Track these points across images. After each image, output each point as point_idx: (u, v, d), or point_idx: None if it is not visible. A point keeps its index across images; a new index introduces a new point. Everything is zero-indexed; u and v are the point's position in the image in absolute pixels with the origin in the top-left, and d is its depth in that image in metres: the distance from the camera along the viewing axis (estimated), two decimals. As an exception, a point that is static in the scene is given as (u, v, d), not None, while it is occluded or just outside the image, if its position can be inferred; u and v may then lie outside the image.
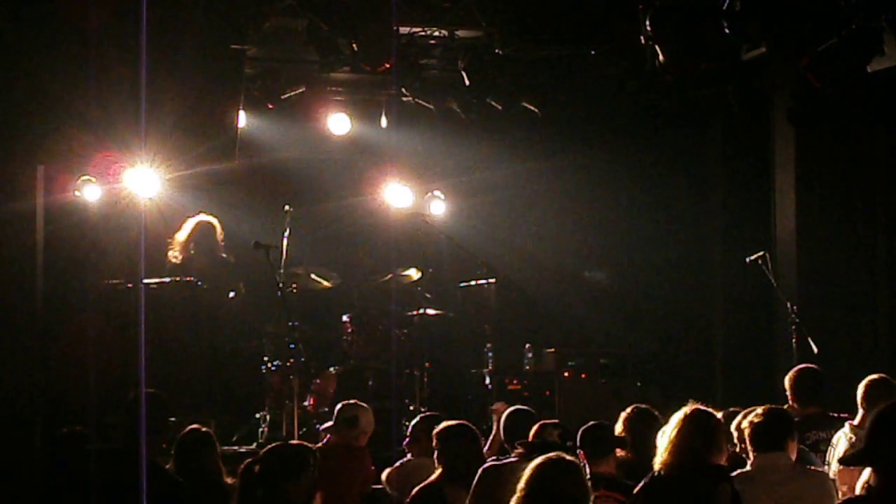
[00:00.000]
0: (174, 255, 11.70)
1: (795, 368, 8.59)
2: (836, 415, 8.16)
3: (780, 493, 6.47)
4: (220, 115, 11.03)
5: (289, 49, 12.23)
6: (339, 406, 8.94)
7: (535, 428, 7.37)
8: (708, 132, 13.72)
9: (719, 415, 6.48)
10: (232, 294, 11.90)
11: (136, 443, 6.37)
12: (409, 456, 8.44)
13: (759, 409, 6.77)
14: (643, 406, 7.46)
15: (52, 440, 7.55)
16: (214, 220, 11.77)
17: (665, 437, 6.25)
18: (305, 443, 7.27)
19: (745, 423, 6.75)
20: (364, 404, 9.05)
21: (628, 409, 7.39)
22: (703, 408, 6.32)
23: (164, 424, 6.55)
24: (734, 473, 6.55)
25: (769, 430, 6.62)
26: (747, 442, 6.66)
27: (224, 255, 11.72)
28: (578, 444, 7.07)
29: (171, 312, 11.63)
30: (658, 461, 6.23)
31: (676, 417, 6.27)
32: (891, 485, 4.29)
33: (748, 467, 6.64)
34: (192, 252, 11.56)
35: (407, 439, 8.49)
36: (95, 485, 6.12)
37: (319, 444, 8.63)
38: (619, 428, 7.29)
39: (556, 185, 13.98)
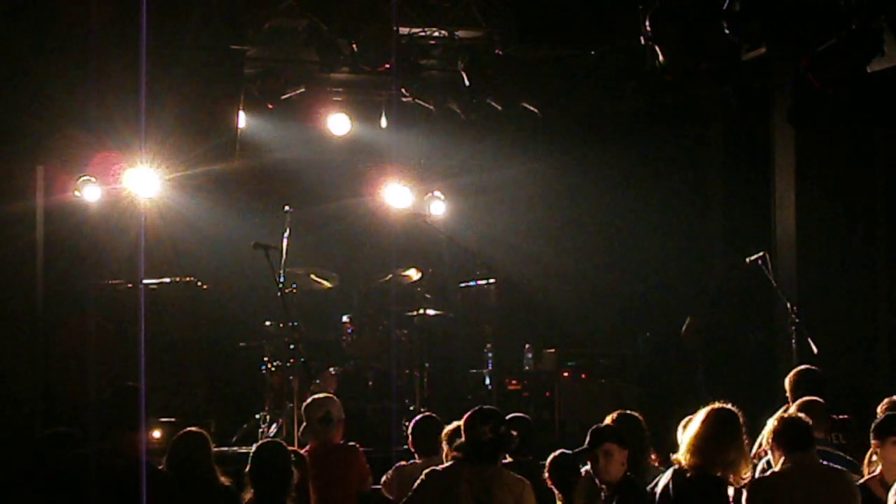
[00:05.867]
0: None
1: (796, 369, 8.57)
2: (835, 416, 8.13)
3: (811, 493, 6.51)
4: (220, 115, 11.06)
5: (289, 49, 12.22)
6: (305, 406, 8.54)
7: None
8: (708, 132, 13.71)
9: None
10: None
11: (115, 441, 6.30)
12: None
13: (780, 414, 6.88)
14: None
15: (37, 442, 7.51)
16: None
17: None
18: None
19: (770, 426, 6.80)
20: (327, 394, 8.94)
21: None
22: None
23: (137, 420, 6.32)
24: (766, 473, 6.67)
25: (800, 429, 6.68)
26: (775, 446, 6.70)
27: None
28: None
29: (171, 312, 11.64)
30: None
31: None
32: None
33: (776, 468, 6.68)
34: None
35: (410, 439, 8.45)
36: (82, 485, 6.09)
37: (306, 449, 8.48)
38: None
39: (556, 185, 13.97)
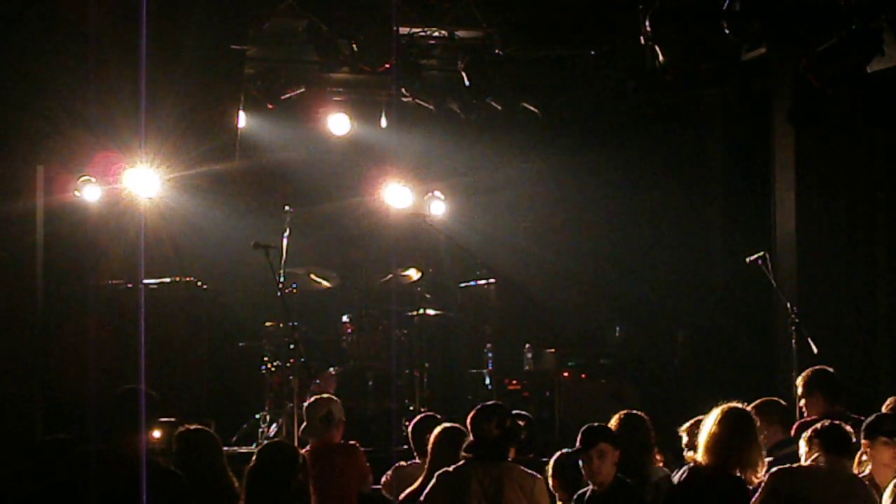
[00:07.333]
0: None
1: (810, 369, 8.49)
2: (855, 416, 8.05)
3: (832, 493, 6.53)
4: (220, 115, 11.04)
5: (289, 49, 12.23)
6: (307, 406, 8.59)
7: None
8: (708, 132, 13.72)
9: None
10: None
11: (116, 442, 6.31)
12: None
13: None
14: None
15: (37, 448, 7.50)
16: None
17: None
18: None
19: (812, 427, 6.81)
20: (328, 395, 8.96)
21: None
22: None
23: (138, 421, 6.34)
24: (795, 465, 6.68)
25: (844, 436, 6.69)
26: (816, 443, 6.69)
27: None
28: None
29: (171, 312, 11.64)
30: None
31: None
32: None
33: (809, 463, 6.67)
34: None
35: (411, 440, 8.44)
36: (83, 486, 6.08)
37: (306, 449, 8.47)
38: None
39: (556, 185, 13.97)
